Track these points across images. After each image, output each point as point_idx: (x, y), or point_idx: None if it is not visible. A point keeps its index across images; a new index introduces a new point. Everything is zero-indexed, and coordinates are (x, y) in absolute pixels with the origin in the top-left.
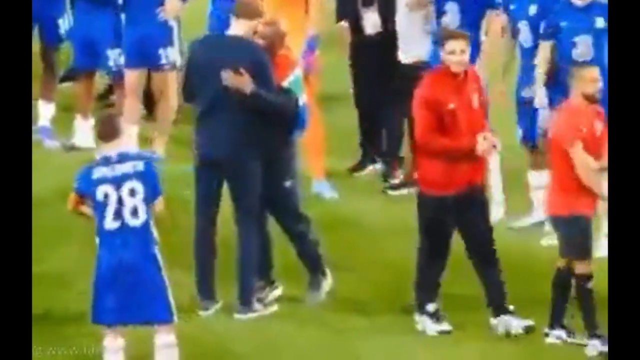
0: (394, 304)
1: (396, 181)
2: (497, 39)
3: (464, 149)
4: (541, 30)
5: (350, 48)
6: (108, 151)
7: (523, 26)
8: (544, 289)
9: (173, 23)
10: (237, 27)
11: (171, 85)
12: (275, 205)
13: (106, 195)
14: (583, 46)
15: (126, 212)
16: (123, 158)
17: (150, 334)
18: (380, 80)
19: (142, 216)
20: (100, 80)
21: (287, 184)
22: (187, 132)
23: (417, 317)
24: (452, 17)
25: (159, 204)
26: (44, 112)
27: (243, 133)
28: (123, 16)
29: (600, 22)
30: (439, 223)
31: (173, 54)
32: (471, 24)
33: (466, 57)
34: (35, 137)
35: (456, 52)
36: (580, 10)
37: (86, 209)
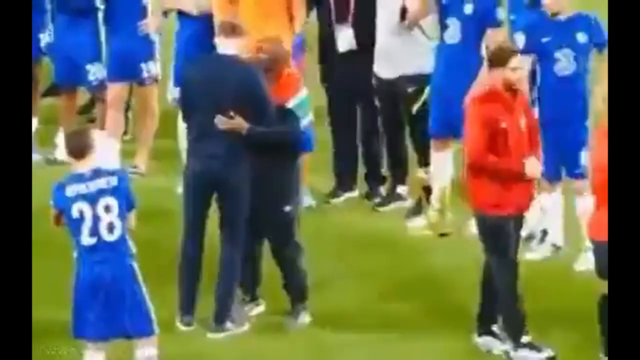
0: (380, 317)
1: (378, 199)
2: None
3: (514, 170)
4: (520, 46)
5: (324, 66)
6: (81, 167)
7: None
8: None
9: (155, 37)
10: (224, 47)
11: (153, 99)
12: (271, 230)
13: (81, 212)
14: (564, 61)
15: (102, 228)
16: (96, 174)
17: (131, 348)
18: (356, 99)
19: (118, 231)
20: (83, 94)
21: (286, 209)
22: (168, 146)
23: (513, 354)
24: (453, 31)
25: (133, 218)
26: None
27: (236, 155)
28: (104, 30)
29: (581, 37)
30: (504, 241)
31: (154, 68)
32: (471, 39)
33: (525, 73)
34: None
35: (518, 69)
36: (562, 25)
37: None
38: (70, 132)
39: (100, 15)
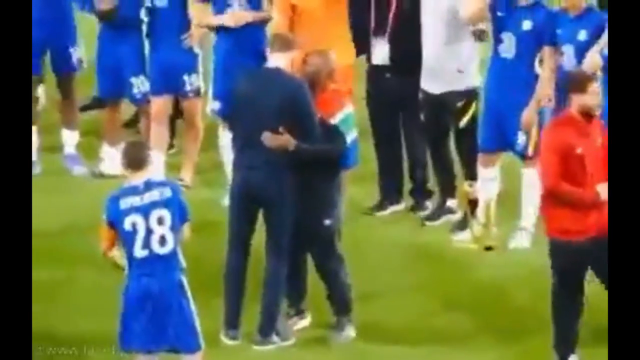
0: (427, 331)
1: (426, 212)
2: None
3: (590, 197)
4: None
5: (367, 81)
6: (135, 180)
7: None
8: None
9: (198, 50)
10: (274, 60)
11: (197, 112)
12: (313, 242)
13: (134, 225)
14: (566, 56)
15: (154, 241)
16: (150, 186)
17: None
18: (401, 114)
19: (170, 244)
20: (128, 107)
21: (327, 222)
22: (212, 158)
23: None
24: (508, 45)
25: (186, 230)
26: (68, 139)
27: (276, 166)
28: (147, 43)
29: (582, 35)
30: (573, 269)
31: (197, 81)
32: (526, 55)
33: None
34: (63, 164)
35: (596, 94)
36: (571, 20)
37: (117, 255)
38: (129, 143)
39: (144, 28)
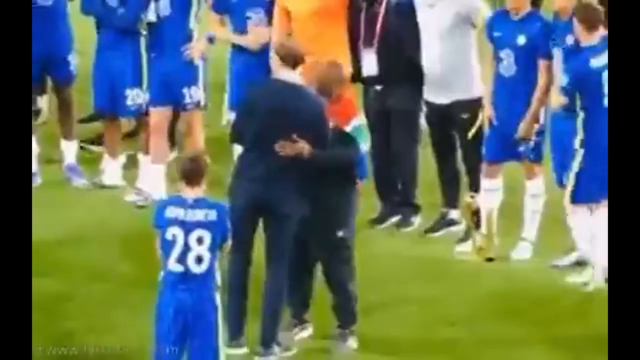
0: (429, 345)
1: (411, 227)
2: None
3: None
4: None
5: (362, 94)
6: (187, 193)
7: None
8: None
9: (199, 62)
10: (288, 75)
11: (196, 125)
12: (324, 254)
13: (174, 237)
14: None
15: (190, 258)
16: (199, 204)
17: None
18: (390, 123)
19: (206, 264)
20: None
21: (340, 233)
22: (220, 172)
23: None
24: (508, 64)
25: (225, 249)
26: (68, 150)
27: (280, 178)
28: (148, 54)
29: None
30: None
31: (197, 94)
32: (527, 71)
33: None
34: (63, 175)
35: None
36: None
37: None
38: (187, 156)
39: (143, 39)
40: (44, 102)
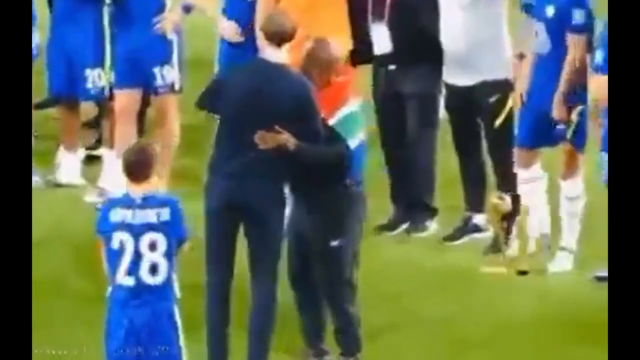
0: None
1: (426, 233)
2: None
3: None
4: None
5: (372, 75)
6: (133, 190)
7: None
8: None
9: (173, 37)
10: (275, 55)
11: (170, 111)
12: (318, 267)
13: (122, 244)
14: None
15: (143, 268)
16: (148, 202)
17: None
18: (404, 109)
19: (162, 273)
20: (90, 104)
21: (334, 243)
22: (194, 165)
23: None
24: (542, 39)
25: (185, 249)
26: None
27: (273, 180)
28: (112, 27)
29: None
30: None
31: (170, 74)
32: (558, 46)
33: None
34: None
35: None
36: None
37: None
38: (131, 147)
39: (107, 9)
40: None
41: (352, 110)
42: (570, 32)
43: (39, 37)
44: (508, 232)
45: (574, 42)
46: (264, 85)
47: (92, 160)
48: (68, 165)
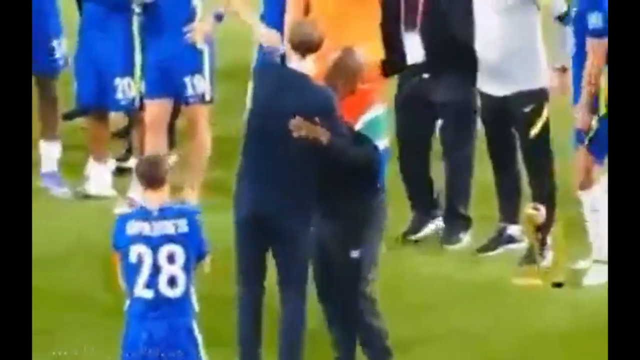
0: None
1: (460, 245)
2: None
3: None
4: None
5: (398, 84)
6: (149, 201)
7: None
8: None
9: (204, 46)
10: (301, 64)
11: (201, 123)
12: (335, 279)
13: (140, 257)
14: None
15: (162, 281)
16: (165, 214)
17: None
18: (440, 120)
19: (181, 286)
20: (119, 114)
21: (354, 254)
22: (226, 177)
23: None
24: (571, 43)
25: (205, 266)
26: (48, 153)
27: (297, 188)
28: (138, 38)
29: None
30: None
31: (201, 84)
32: (581, 49)
33: None
34: (40, 184)
35: None
36: None
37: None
38: (143, 159)
39: (136, 18)
40: None
41: (376, 115)
42: (588, 36)
43: (65, 47)
44: (543, 243)
45: (592, 47)
46: (286, 96)
47: (122, 171)
48: (98, 176)
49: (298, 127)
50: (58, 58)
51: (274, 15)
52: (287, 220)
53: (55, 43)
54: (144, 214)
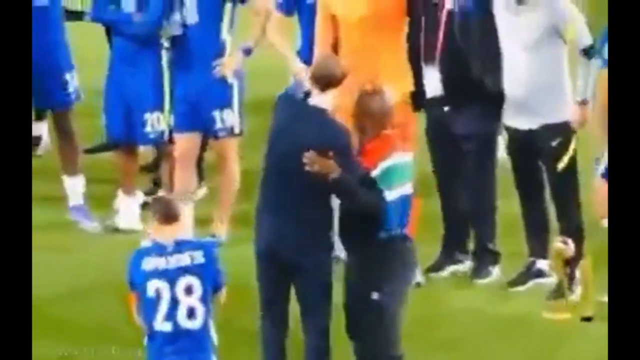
0: None
1: (490, 279)
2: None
3: None
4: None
5: (426, 117)
6: (164, 236)
7: None
8: None
9: (233, 80)
10: (320, 100)
11: (230, 156)
12: (356, 324)
13: (158, 292)
14: None
15: (180, 313)
16: (181, 247)
17: None
18: (465, 154)
19: (200, 318)
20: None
21: (375, 296)
22: (250, 209)
23: None
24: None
25: (221, 298)
26: (72, 188)
27: (315, 227)
28: (171, 70)
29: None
30: None
31: (230, 118)
32: None
33: None
34: (69, 218)
35: None
36: None
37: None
38: (155, 199)
39: (165, 52)
40: (44, 129)
41: (396, 162)
42: (602, 67)
43: (78, 80)
44: (572, 277)
45: (602, 78)
46: (301, 129)
47: (149, 205)
48: (127, 210)
49: (311, 161)
50: (71, 92)
51: (307, 51)
52: (305, 252)
53: (68, 76)
54: (159, 250)
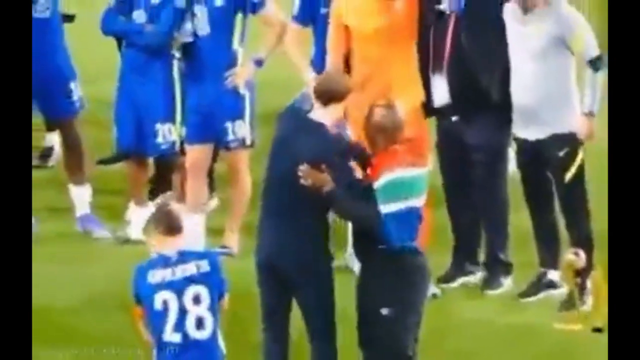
0: None
1: (501, 289)
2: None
3: None
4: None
5: (436, 127)
6: (168, 248)
7: None
8: None
9: (245, 91)
10: (320, 114)
11: (242, 168)
12: (366, 339)
13: (166, 303)
14: None
15: (189, 323)
16: (185, 257)
17: None
18: (479, 165)
19: (209, 328)
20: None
21: (384, 312)
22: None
23: None
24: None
25: (224, 304)
26: (79, 197)
27: (314, 238)
28: (179, 84)
29: None
30: None
31: (242, 129)
32: None
33: None
34: (79, 228)
35: None
36: None
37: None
38: (157, 208)
39: (177, 63)
40: (55, 140)
41: (398, 176)
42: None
43: (82, 90)
44: (583, 287)
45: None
46: (298, 141)
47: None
48: (139, 220)
49: (305, 174)
50: (75, 100)
51: (320, 61)
52: (304, 263)
53: (72, 85)
54: (164, 261)
